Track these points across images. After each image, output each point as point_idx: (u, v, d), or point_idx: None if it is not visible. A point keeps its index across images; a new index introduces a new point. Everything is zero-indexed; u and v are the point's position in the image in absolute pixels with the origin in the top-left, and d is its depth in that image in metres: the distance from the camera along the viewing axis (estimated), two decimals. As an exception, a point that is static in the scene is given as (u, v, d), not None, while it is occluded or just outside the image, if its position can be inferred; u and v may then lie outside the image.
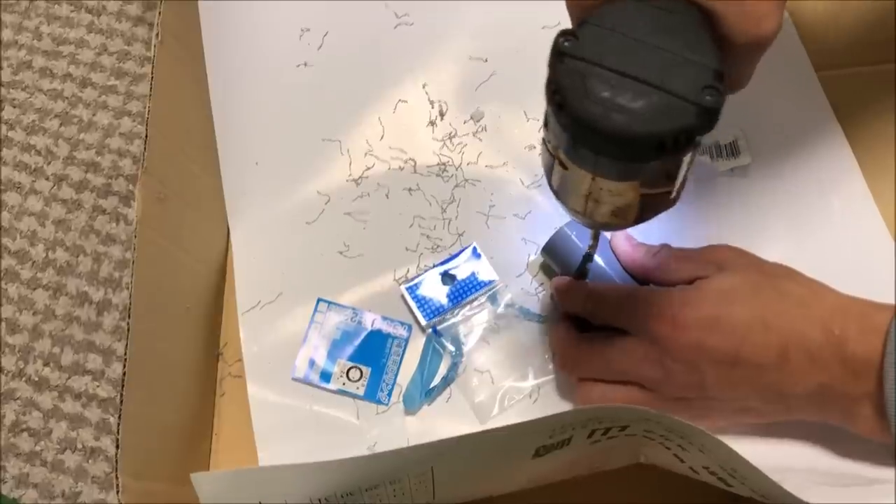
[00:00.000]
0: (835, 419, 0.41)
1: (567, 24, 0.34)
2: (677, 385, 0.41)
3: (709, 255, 0.44)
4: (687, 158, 0.32)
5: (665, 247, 0.46)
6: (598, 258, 0.46)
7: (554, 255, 0.49)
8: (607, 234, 0.47)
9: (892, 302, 0.39)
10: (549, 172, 0.36)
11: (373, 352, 0.49)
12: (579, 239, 0.47)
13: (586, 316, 0.45)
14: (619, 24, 0.31)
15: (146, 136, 0.45)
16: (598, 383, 0.44)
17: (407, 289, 0.50)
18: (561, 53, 0.31)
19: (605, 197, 0.33)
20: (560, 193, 0.36)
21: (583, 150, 0.31)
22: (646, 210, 0.34)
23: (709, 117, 0.30)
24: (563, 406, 0.47)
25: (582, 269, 0.46)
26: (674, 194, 0.34)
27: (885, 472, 0.41)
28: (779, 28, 0.33)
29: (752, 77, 0.35)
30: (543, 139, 0.35)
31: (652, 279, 0.46)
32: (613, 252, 0.47)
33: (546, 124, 0.34)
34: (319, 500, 0.36)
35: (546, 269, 0.51)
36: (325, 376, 0.49)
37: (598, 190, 0.33)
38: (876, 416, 0.38)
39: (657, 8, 0.32)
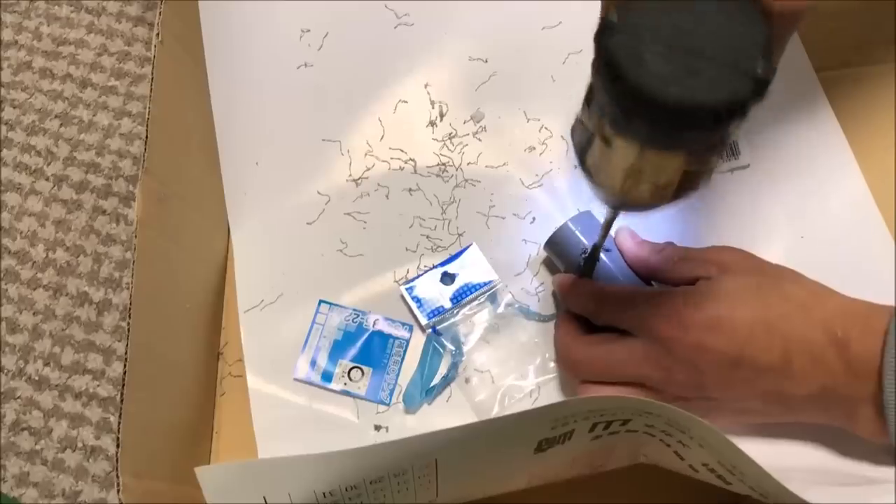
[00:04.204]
0: (836, 421, 0.41)
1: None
2: (678, 385, 0.41)
3: (712, 256, 0.44)
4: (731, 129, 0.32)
5: (669, 244, 0.46)
6: (601, 254, 0.46)
7: (557, 250, 0.49)
8: (611, 233, 0.47)
9: (892, 302, 0.39)
10: (583, 151, 0.35)
11: (374, 352, 0.49)
12: (583, 235, 0.47)
13: (588, 316, 0.45)
14: None
15: (146, 137, 0.45)
16: (600, 385, 0.44)
17: (407, 289, 0.50)
18: (611, 26, 0.30)
19: (648, 172, 0.33)
20: (595, 172, 0.35)
21: (635, 122, 0.31)
22: (682, 188, 0.34)
23: (761, 87, 0.30)
24: (564, 405, 0.47)
25: (586, 265, 0.46)
26: (710, 173, 0.34)
27: (886, 472, 0.41)
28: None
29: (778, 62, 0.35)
30: (578, 118, 0.35)
31: (655, 277, 0.46)
32: (618, 248, 0.47)
33: (587, 101, 0.33)
34: (324, 494, 0.36)
35: (549, 265, 0.51)
36: (327, 376, 0.49)
37: (642, 165, 0.33)
38: (877, 417, 0.38)
39: None
